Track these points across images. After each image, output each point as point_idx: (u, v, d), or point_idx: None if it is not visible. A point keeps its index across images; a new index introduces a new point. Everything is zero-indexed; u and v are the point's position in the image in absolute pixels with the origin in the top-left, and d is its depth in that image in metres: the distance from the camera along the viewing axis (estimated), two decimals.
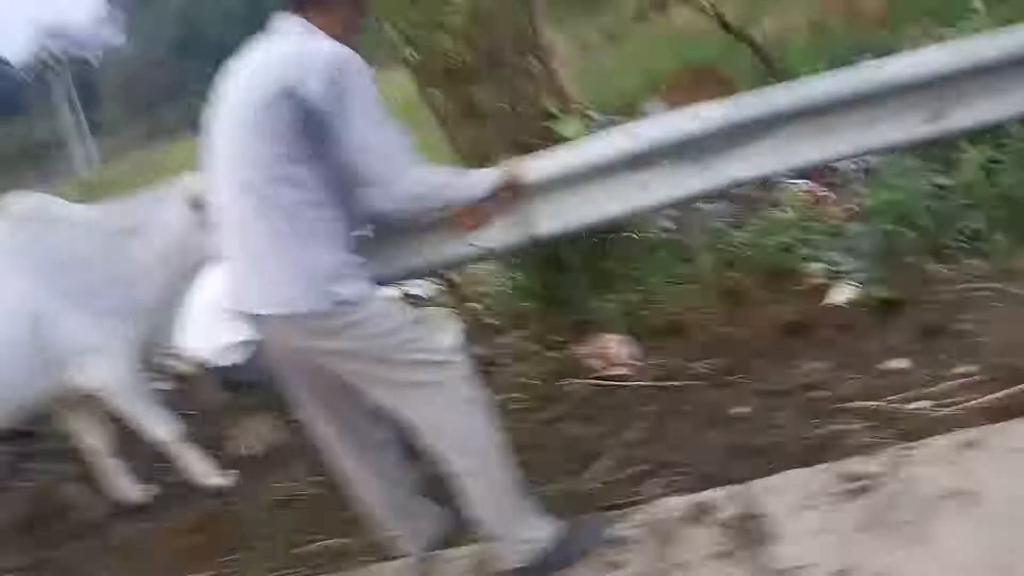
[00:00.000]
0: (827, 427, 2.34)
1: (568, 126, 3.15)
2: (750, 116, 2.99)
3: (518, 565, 2.10)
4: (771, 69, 6.33)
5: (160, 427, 3.01)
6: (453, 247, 3.14)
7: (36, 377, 2.75)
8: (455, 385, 2.07)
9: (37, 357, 2.72)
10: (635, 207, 3.10)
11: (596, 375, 3.00)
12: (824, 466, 2.15)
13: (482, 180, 2.28)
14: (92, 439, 3.14)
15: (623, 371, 2.97)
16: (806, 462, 2.21)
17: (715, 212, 3.49)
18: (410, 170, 1.95)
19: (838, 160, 3.08)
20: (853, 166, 3.36)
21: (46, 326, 2.71)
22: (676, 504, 2.23)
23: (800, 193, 3.35)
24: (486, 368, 3.29)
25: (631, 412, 2.76)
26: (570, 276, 3.35)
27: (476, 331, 3.62)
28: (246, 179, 1.90)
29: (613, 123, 3.57)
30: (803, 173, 3.38)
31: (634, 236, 3.37)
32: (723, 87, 7.13)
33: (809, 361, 2.72)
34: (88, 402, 2.97)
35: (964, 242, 2.85)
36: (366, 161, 1.89)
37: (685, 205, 3.32)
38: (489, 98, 3.15)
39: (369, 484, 2.25)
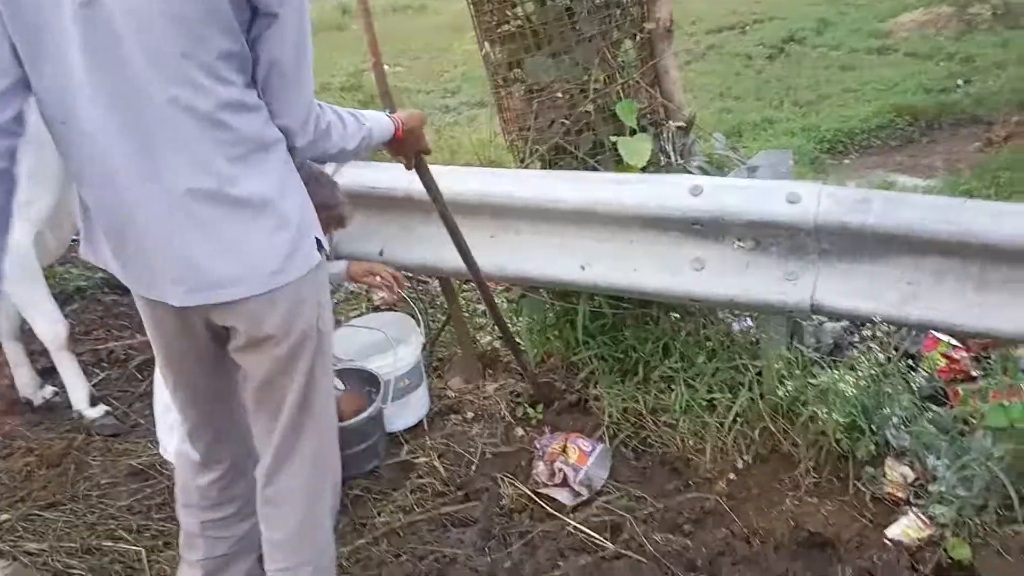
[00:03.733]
0: None
1: (631, 148, 2.79)
2: (878, 225, 2.48)
3: None
4: None
5: (41, 324, 3.11)
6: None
7: None
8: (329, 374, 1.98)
9: None
10: (677, 289, 2.74)
11: (539, 485, 2.76)
12: None
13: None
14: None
15: (567, 494, 2.70)
16: None
17: (812, 330, 2.99)
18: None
19: (986, 337, 2.48)
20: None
21: None
22: None
23: (938, 356, 2.75)
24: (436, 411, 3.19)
25: (531, 560, 2.46)
26: (578, 343, 3.08)
27: (450, 358, 3.48)
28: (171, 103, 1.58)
29: (735, 159, 3.15)
30: (927, 330, 2.77)
31: (682, 322, 3.00)
32: None
33: None
34: None
35: None
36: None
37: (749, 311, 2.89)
38: (543, 77, 2.85)
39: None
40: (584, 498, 2.68)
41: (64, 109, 1.59)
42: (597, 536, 2.56)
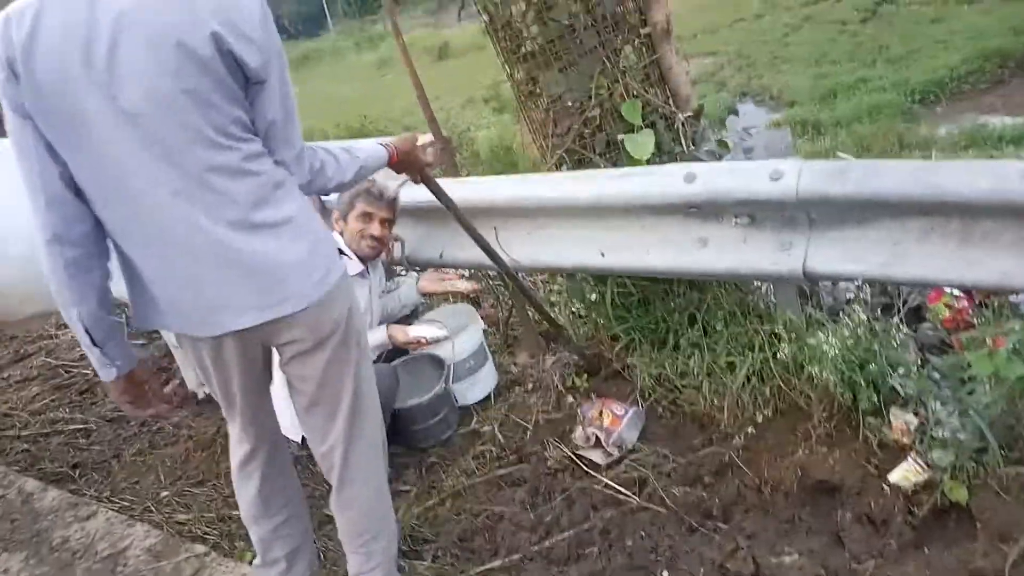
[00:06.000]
0: None
1: (636, 143, 2.74)
2: (856, 193, 2.33)
3: None
4: None
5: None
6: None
7: None
8: (368, 364, 2.05)
9: None
10: (685, 267, 2.68)
11: (577, 447, 2.79)
12: None
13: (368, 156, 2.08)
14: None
15: (600, 454, 2.71)
16: None
17: (830, 289, 2.82)
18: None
19: (974, 288, 2.26)
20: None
21: None
22: None
23: (942, 307, 2.53)
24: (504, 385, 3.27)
25: (567, 514, 2.51)
26: (610, 320, 3.06)
27: (509, 340, 3.53)
28: (197, 161, 1.66)
29: (748, 147, 3.01)
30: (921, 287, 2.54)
31: (703, 293, 2.91)
32: None
33: (791, 553, 2.22)
34: None
35: None
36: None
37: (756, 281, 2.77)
38: (556, 89, 2.84)
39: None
40: (615, 457, 2.69)
41: (106, 193, 1.67)
42: (625, 491, 2.56)
